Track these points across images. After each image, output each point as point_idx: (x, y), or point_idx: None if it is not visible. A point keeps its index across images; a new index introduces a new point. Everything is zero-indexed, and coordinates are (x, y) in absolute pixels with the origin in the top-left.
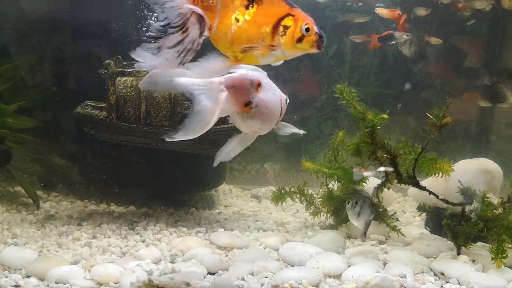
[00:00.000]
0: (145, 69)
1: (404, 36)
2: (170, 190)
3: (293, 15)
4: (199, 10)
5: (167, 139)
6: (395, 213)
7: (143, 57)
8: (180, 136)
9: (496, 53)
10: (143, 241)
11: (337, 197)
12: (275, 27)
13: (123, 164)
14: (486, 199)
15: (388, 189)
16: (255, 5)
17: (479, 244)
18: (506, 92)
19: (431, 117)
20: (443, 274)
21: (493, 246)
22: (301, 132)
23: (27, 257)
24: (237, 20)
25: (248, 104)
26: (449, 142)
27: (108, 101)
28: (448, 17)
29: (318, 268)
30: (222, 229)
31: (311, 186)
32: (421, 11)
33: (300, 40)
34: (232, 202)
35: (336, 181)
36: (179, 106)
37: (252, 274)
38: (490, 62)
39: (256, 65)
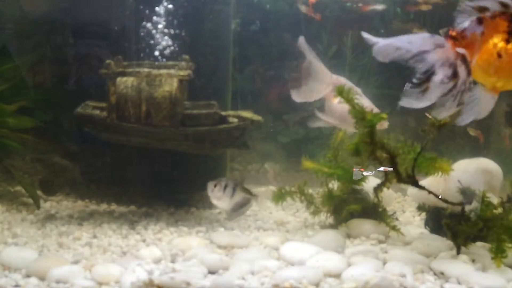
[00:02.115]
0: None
1: None
2: (171, 190)
3: None
4: (463, 51)
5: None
6: (395, 212)
7: (410, 103)
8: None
9: None
10: (144, 241)
11: (337, 197)
12: None
13: (124, 164)
14: (485, 199)
15: (388, 188)
16: None
17: (478, 243)
18: None
19: (430, 117)
20: (442, 273)
21: (493, 246)
22: None
23: (28, 257)
24: (499, 55)
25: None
26: (448, 142)
27: (109, 101)
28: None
29: (318, 267)
30: (223, 229)
31: (311, 185)
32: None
33: None
34: None
35: (336, 181)
36: (179, 106)
37: (253, 274)
38: None
39: None
